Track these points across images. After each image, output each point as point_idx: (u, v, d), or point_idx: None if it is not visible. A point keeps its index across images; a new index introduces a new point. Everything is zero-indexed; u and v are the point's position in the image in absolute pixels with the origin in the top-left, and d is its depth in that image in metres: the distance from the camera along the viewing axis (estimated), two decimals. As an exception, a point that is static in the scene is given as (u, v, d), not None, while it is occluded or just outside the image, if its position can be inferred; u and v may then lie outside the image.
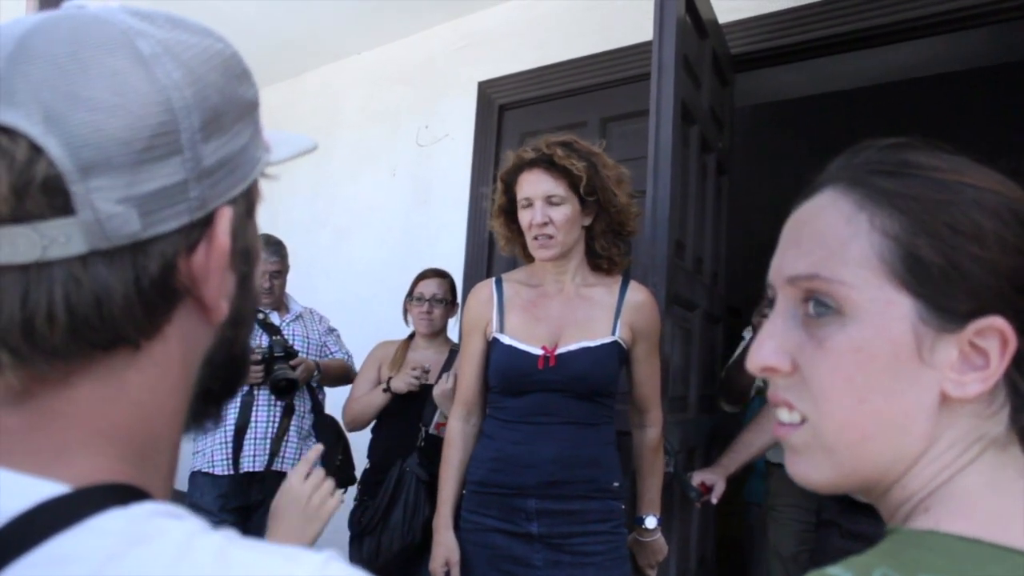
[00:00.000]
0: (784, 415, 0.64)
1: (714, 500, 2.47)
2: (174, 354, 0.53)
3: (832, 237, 0.61)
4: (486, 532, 2.04)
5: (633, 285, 2.13)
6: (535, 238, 2.04)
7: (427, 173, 4.09)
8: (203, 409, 0.60)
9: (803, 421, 0.63)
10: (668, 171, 2.36)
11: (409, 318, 3.05)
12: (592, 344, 2.02)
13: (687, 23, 2.55)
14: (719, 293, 2.98)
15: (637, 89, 3.11)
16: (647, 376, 2.13)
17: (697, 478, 2.47)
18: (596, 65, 3.46)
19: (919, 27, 2.78)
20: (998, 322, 0.57)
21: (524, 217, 2.06)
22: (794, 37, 3.00)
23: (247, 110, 0.55)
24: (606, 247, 2.11)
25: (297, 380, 2.98)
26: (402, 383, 2.82)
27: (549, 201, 2.02)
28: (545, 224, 2.01)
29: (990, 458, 0.60)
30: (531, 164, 2.04)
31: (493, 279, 2.19)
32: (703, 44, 2.78)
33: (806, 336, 0.62)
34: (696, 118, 2.65)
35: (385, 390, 2.87)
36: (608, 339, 2.04)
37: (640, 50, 3.21)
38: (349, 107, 4.56)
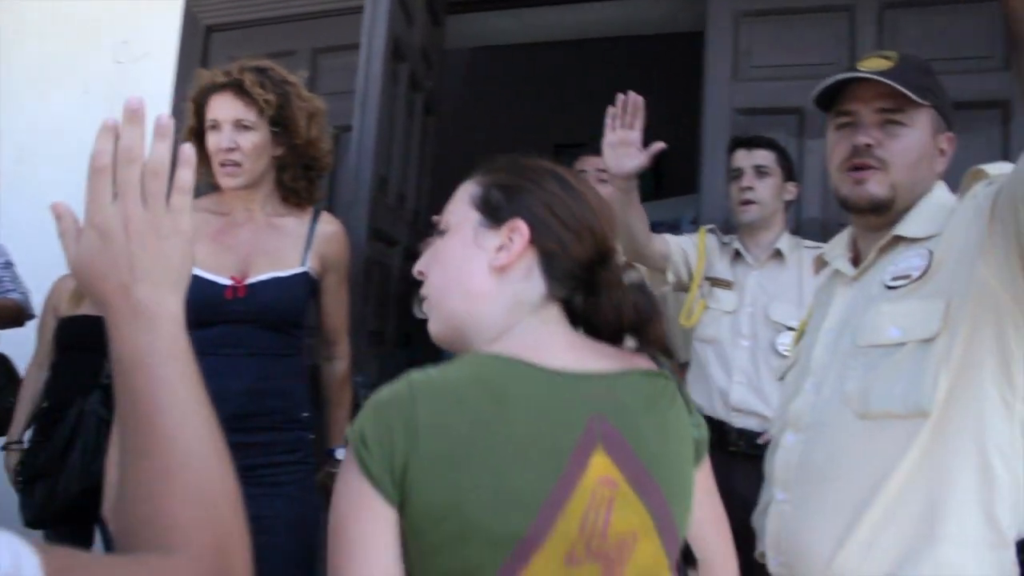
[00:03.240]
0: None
1: None
2: None
3: (457, 194, 1.08)
4: None
5: (324, 216, 2.11)
6: (221, 164, 1.96)
7: (126, 93, 3.74)
8: None
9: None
10: (375, 106, 2.36)
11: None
12: (282, 274, 1.99)
13: (403, -41, 2.55)
14: (420, 230, 3.05)
15: (350, 22, 3.05)
16: (335, 307, 2.14)
17: None
18: (311, -8, 3.36)
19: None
20: (519, 223, 0.99)
21: (211, 141, 1.98)
22: (505, -15, 3.10)
23: None
24: (294, 180, 2.07)
25: None
26: None
27: (238, 126, 1.95)
28: (232, 150, 1.94)
29: (528, 314, 0.99)
30: (222, 87, 1.96)
31: None
32: (417, -18, 2.79)
33: (435, 247, 1.06)
34: (407, 56, 2.66)
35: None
36: (298, 269, 2.02)
37: (355, -18, 3.15)
38: (34, 11, 4.08)
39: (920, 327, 1.19)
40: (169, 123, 0.73)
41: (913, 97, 1.29)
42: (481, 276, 1.00)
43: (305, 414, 2.07)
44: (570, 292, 1.02)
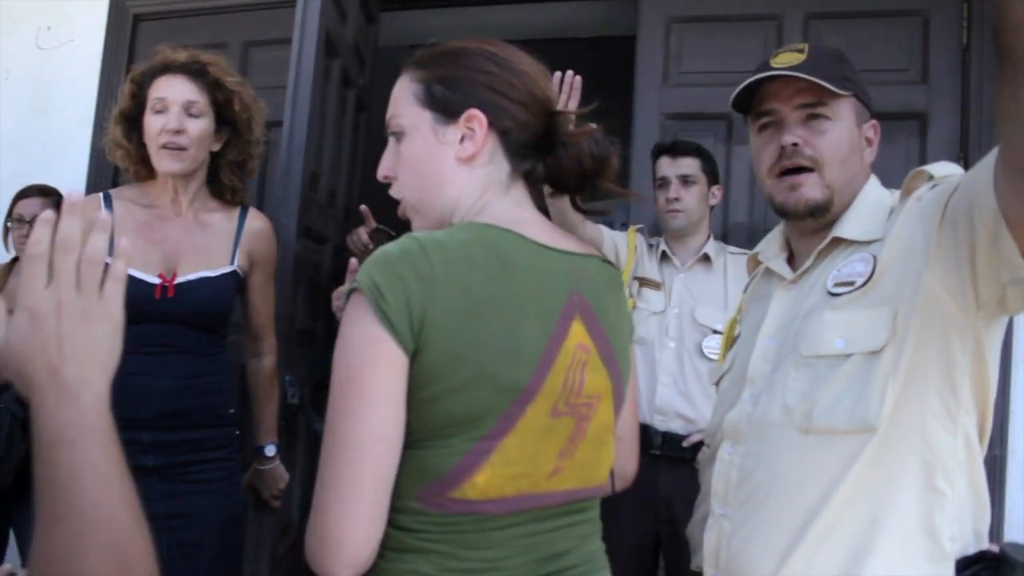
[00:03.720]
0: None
1: None
2: None
3: (396, 93, 1.11)
4: None
5: (252, 212, 2.09)
6: (164, 146, 1.90)
7: (48, 79, 3.66)
8: None
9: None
10: (307, 102, 2.33)
11: (10, 242, 2.74)
12: (211, 274, 1.97)
13: (338, -47, 2.52)
14: (350, 228, 3.02)
15: (282, 15, 3.01)
16: (262, 304, 2.13)
17: None
18: (243, -16, 3.30)
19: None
20: (475, 112, 1.04)
21: (155, 122, 1.91)
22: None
23: None
24: (231, 177, 2.04)
25: None
26: None
27: (188, 110, 1.91)
28: (179, 132, 1.89)
29: (501, 193, 1.07)
30: (177, 68, 1.92)
31: (100, 195, 2.01)
32: (353, -23, 2.77)
33: (396, 150, 1.11)
34: (339, 51, 2.64)
35: None
36: (227, 268, 2.00)
37: (289, -25, 3.11)
38: (-49, -7, 3.93)
39: (866, 338, 1.14)
40: (108, 218, 0.78)
41: (832, 88, 1.25)
42: (452, 169, 1.06)
43: (232, 411, 2.06)
44: (532, 164, 1.10)
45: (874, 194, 1.30)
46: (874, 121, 1.35)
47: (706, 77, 2.83)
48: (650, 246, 2.55)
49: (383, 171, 1.12)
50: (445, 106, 1.06)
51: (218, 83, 1.93)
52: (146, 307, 1.89)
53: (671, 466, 2.32)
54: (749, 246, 2.58)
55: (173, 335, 1.93)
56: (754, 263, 1.52)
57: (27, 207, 2.69)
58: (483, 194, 1.07)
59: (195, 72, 1.92)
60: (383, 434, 0.91)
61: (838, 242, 1.28)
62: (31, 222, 2.67)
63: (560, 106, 2.06)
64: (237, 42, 3.28)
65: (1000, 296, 1.04)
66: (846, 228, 1.27)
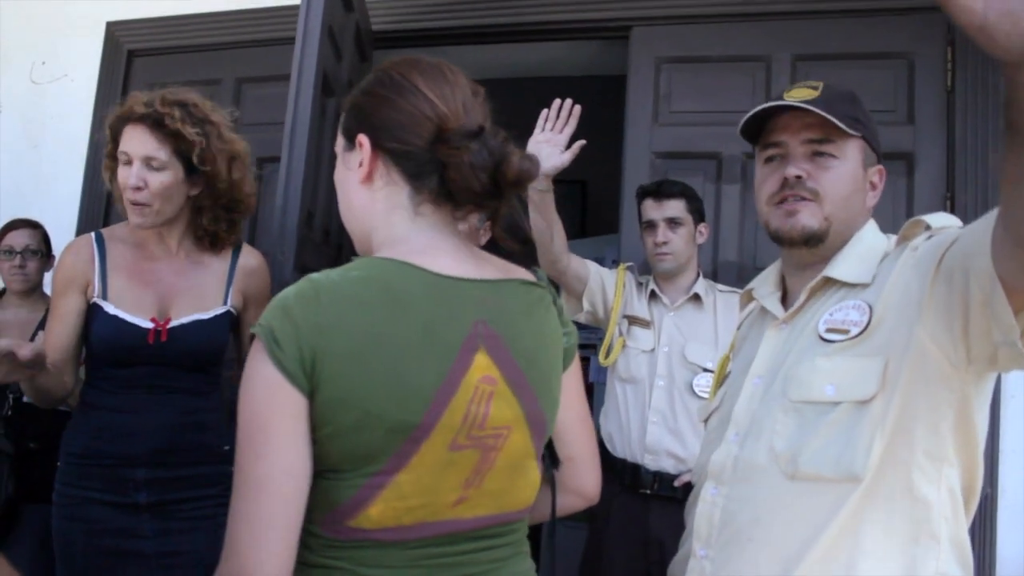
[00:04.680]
0: None
1: None
2: None
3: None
4: (85, 504, 1.89)
5: (246, 249, 2.09)
6: (130, 202, 1.89)
7: (41, 114, 3.68)
8: None
9: None
10: (304, 141, 2.36)
11: (-2, 274, 2.74)
12: (204, 316, 1.96)
13: (336, -7, 2.56)
14: (343, 264, 3.02)
15: (277, 52, 3.05)
16: None
17: None
18: (238, 22, 3.34)
19: (540, 31, 3.05)
20: (361, 137, 1.07)
21: (121, 175, 1.89)
22: (433, 22, 3.14)
23: None
24: (212, 223, 1.99)
25: None
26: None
27: (148, 164, 1.86)
28: (139, 189, 1.86)
29: (409, 218, 1.07)
30: (138, 119, 1.86)
31: (93, 235, 2.01)
32: (348, 17, 2.80)
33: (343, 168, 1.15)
34: (336, 90, 2.66)
35: None
36: (220, 309, 2.00)
37: (284, 13, 3.15)
38: (-54, 28, 3.95)
39: (856, 387, 1.14)
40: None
41: (843, 127, 1.25)
42: (356, 193, 1.10)
43: (227, 447, 2.03)
44: (437, 184, 1.07)
45: (870, 237, 1.30)
46: (880, 166, 1.36)
47: (696, 117, 2.86)
48: (639, 284, 2.56)
49: None
50: (347, 132, 1.12)
51: (178, 133, 1.85)
52: (139, 351, 1.89)
53: (662, 505, 2.31)
54: (738, 284, 2.60)
55: (166, 376, 1.93)
56: (747, 299, 1.51)
57: (16, 239, 2.69)
58: (389, 216, 1.08)
59: (154, 123, 1.85)
60: (291, 471, 0.94)
61: (829, 282, 1.28)
62: (22, 253, 2.66)
63: (548, 132, 2.11)
64: (231, 78, 3.32)
65: (991, 355, 1.04)
66: (838, 269, 1.27)
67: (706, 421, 1.47)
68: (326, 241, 2.72)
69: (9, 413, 2.47)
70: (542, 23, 3.02)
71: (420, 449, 0.97)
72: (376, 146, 1.07)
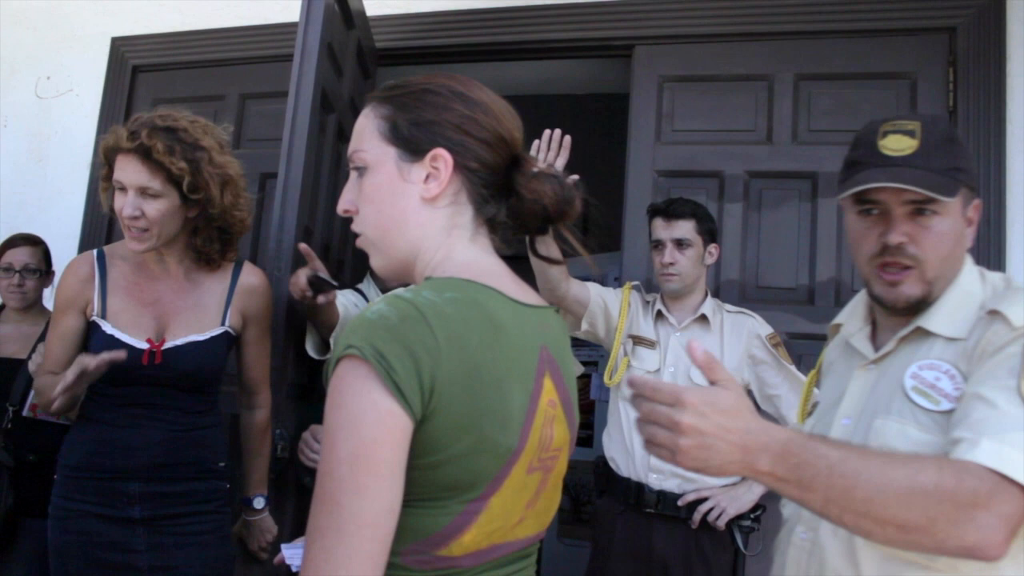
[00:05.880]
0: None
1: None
2: None
3: (360, 128, 1.08)
4: (80, 517, 1.90)
5: (247, 267, 2.09)
6: (127, 228, 1.89)
7: (46, 129, 3.69)
8: None
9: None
10: (302, 156, 2.35)
11: (-3, 290, 2.73)
12: (201, 338, 1.97)
13: (335, 11, 2.57)
14: (343, 282, 3.02)
15: (281, 69, 3.05)
16: (256, 359, 2.12)
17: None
18: (242, 38, 3.36)
19: (543, 49, 3.06)
20: (441, 152, 1.03)
21: (118, 202, 1.89)
22: (437, 40, 3.15)
23: None
24: (207, 244, 1.99)
25: None
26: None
27: (143, 193, 1.85)
28: (136, 218, 1.86)
29: (467, 240, 1.06)
30: (127, 151, 1.84)
31: (94, 253, 2.02)
32: (349, 34, 2.81)
33: (358, 185, 1.08)
34: (335, 107, 2.67)
35: None
36: (217, 331, 2.00)
37: (287, 30, 3.15)
38: (-49, 43, 3.97)
39: None
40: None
41: (945, 200, 1.20)
42: (415, 209, 1.05)
43: (222, 464, 2.05)
44: (495, 209, 1.08)
45: (967, 283, 1.27)
46: (977, 201, 1.30)
47: (698, 135, 2.86)
48: (646, 303, 2.54)
49: (344, 205, 1.11)
50: (411, 144, 1.04)
51: (172, 162, 1.84)
52: (134, 371, 1.90)
53: (666, 525, 2.30)
54: (741, 302, 2.59)
55: (162, 395, 1.95)
56: (834, 331, 1.49)
57: (15, 256, 2.68)
58: (447, 237, 1.05)
59: (143, 154, 1.82)
60: (393, 509, 0.88)
61: (921, 331, 1.25)
62: (21, 271, 2.66)
63: (544, 162, 2.10)
64: (234, 94, 3.33)
65: None
66: (931, 321, 1.24)
67: None
68: (324, 257, 2.71)
69: (9, 426, 2.46)
70: (545, 41, 3.03)
71: (512, 472, 0.97)
72: (458, 164, 1.04)
